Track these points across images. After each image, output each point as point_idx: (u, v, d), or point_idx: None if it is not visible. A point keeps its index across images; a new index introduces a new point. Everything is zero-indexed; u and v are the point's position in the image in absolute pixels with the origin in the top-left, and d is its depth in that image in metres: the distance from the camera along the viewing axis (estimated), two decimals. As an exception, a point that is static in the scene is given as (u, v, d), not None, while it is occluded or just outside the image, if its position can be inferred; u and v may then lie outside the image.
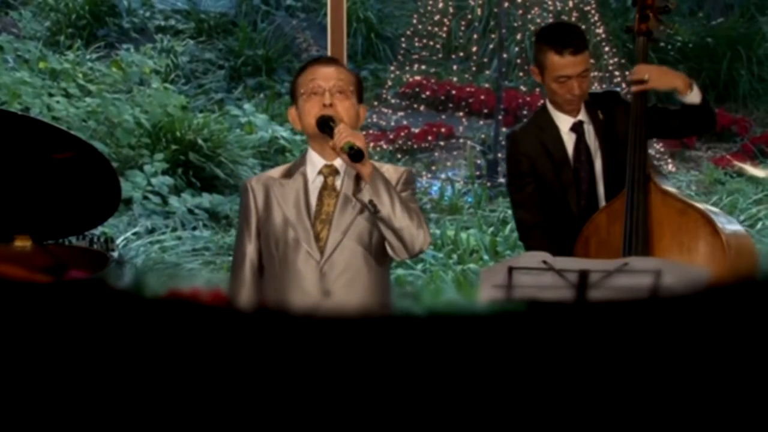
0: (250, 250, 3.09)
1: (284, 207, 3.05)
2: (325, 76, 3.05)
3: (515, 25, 8.57)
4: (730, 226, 3.51)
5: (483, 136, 8.49)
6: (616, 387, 0.86)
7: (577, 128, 3.69)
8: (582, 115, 3.69)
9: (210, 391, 0.89)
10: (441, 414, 0.86)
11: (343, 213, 3.02)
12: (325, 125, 2.98)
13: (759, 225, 7.21)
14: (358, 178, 2.97)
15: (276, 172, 3.16)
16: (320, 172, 3.08)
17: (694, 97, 3.53)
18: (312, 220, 3.04)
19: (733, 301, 0.86)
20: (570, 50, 3.57)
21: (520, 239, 3.87)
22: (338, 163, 3.07)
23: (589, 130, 3.69)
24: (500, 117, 8.23)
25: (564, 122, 3.69)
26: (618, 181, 3.59)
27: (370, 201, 2.91)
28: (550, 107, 3.72)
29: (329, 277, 3.01)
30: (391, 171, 3.11)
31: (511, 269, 3.01)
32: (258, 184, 3.11)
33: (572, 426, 0.85)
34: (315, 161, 3.09)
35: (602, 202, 3.65)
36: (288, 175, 3.11)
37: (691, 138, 8.39)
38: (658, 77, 3.58)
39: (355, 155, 2.88)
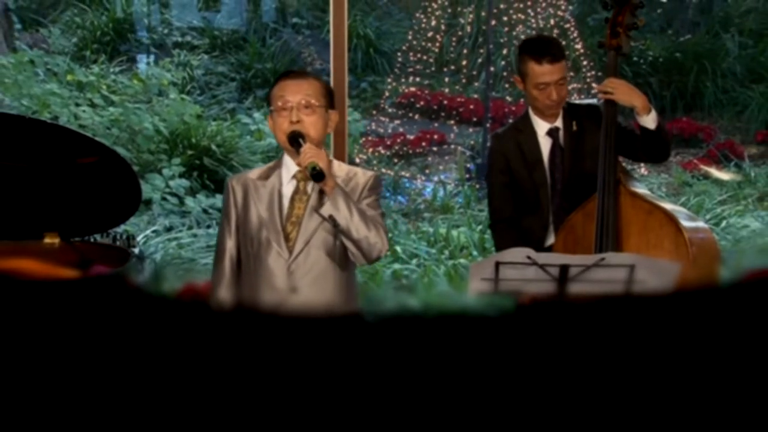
0: (230, 245, 3.10)
1: (260, 207, 3.06)
2: (293, 91, 3.05)
3: (501, 41, 8.57)
4: (693, 224, 3.50)
5: (472, 142, 8.49)
6: (599, 385, 0.85)
7: (552, 133, 3.70)
8: (559, 122, 3.71)
9: (210, 382, 0.88)
10: (421, 411, 0.86)
11: (311, 217, 3.02)
12: (295, 141, 3.00)
13: (723, 223, 7.21)
14: (322, 191, 2.98)
15: (255, 173, 3.16)
16: (294, 177, 3.08)
17: (649, 121, 3.53)
18: (283, 221, 3.04)
19: (706, 302, 0.85)
20: (548, 59, 3.59)
21: (489, 228, 3.90)
22: None
23: (563, 136, 3.71)
24: (488, 125, 8.22)
25: (542, 127, 3.71)
26: (587, 184, 3.59)
27: (330, 216, 2.92)
28: (531, 112, 3.74)
29: (296, 275, 3.01)
30: (360, 175, 3.10)
31: (498, 264, 3.01)
32: (238, 184, 3.11)
33: (552, 422, 0.84)
34: (289, 166, 3.09)
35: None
36: (265, 176, 3.11)
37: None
38: (623, 92, 3.56)
39: (316, 176, 2.90)
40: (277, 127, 3.06)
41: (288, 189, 3.08)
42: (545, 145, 3.70)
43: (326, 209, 2.92)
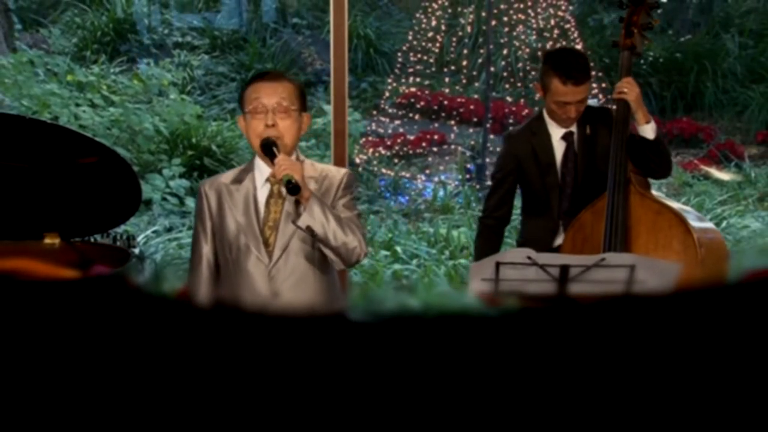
0: (206, 251, 3.06)
1: (236, 213, 3.02)
2: (268, 94, 2.99)
3: (502, 41, 8.57)
4: (702, 224, 3.51)
5: (472, 142, 8.49)
6: (602, 386, 0.85)
7: (567, 137, 3.69)
8: (573, 127, 3.69)
9: (211, 383, 0.88)
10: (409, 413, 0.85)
11: (288, 221, 2.98)
12: (268, 150, 2.95)
13: (723, 223, 7.21)
14: (297, 201, 2.94)
15: (227, 177, 3.11)
16: (267, 180, 3.04)
17: (648, 131, 3.54)
18: (261, 226, 3.01)
19: (709, 303, 0.85)
20: (572, 81, 3.55)
21: (479, 220, 3.91)
22: None
23: (577, 141, 3.70)
24: (488, 125, 8.23)
25: (556, 131, 3.69)
26: (596, 188, 3.59)
27: (308, 226, 2.88)
28: (545, 116, 3.71)
29: (277, 279, 2.98)
30: (333, 172, 3.06)
31: (498, 264, 3.01)
32: (211, 190, 3.06)
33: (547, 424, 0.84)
34: (262, 169, 3.04)
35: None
36: (237, 180, 3.06)
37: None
38: (635, 97, 3.56)
39: (291, 189, 2.86)
40: (251, 130, 2.99)
41: (262, 193, 3.04)
42: (559, 149, 3.69)
43: (303, 220, 2.88)
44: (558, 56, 3.70)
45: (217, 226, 3.05)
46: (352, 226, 2.94)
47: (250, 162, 3.12)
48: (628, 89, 3.54)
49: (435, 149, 8.43)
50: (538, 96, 3.75)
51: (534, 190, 3.72)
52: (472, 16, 8.87)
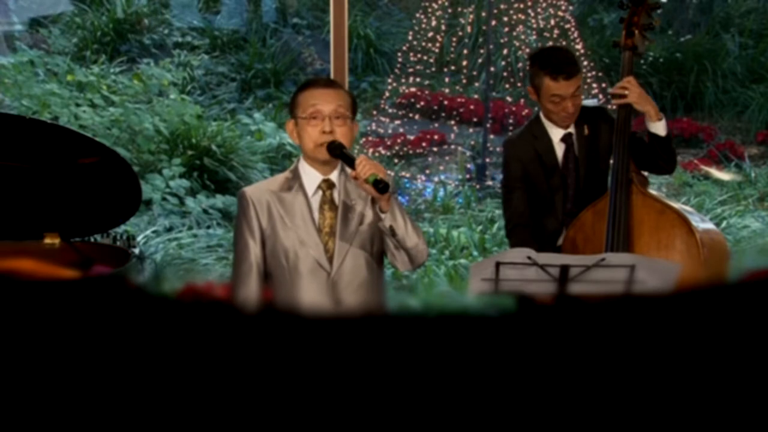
0: (258, 259, 3.02)
1: (290, 222, 3.00)
2: (325, 100, 3.00)
3: (502, 41, 8.57)
4: (704, 225, 3.52)
5: (472, 142, 8.49)
6: (603, 386, 0.85)
7: (566, 139, 3.70)
8: (571, 128, 3.70)
9: (211, 383, 0.88)
10: (437, 411, 0.85)
11: (346, 225, 2.99)
12: (339, 152, 2.95)
13: (723, 224, 7.21)
14: (373, 200, 2.93)
15: (273, 184, 3.09)
16: (319, 187, 3.04)
17: (660, 128, 3.54)
18: (319, 233, 3.01)
19: (708, 303, 0.85)
20: (563, 76, 3.56)
21: (506, 236, 3.88)
22: (334, 176, 3.05)
23: (576, 142, 3.71)
24: (488, 125, 8.23)
25: (555, 133, 3.70)
26: (597, 188, 3.60)
27: (390, 226, 2.88)
28: (543, 118, 3.72)
29: (339, 285, 2.99)
30: None
31: (498, 264, 3.01)
32: (258, 197, 3.04)
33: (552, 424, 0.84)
34: (312, 176, 3.04)
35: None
36: (286, 188, 3.05)
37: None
38: (637, 97, 3.56)
39: (383, 188, 2.83)
40: (306, 135, 3.00)
41: (315, 200, 3.03)
42: (559, 151, 3.71)
43: (387, 220, 2.88)
44: (543, 55, 3.73)
45: (268, 234, 3.02)
46: (419, 228, 2.97)
47: (294, 168, 3.09)
48: (629, 89, 3.55)
49: (435, 149, 8.43)
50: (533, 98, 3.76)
51: (539, 192, 3.73)
52: (472, 16, 8.87)
